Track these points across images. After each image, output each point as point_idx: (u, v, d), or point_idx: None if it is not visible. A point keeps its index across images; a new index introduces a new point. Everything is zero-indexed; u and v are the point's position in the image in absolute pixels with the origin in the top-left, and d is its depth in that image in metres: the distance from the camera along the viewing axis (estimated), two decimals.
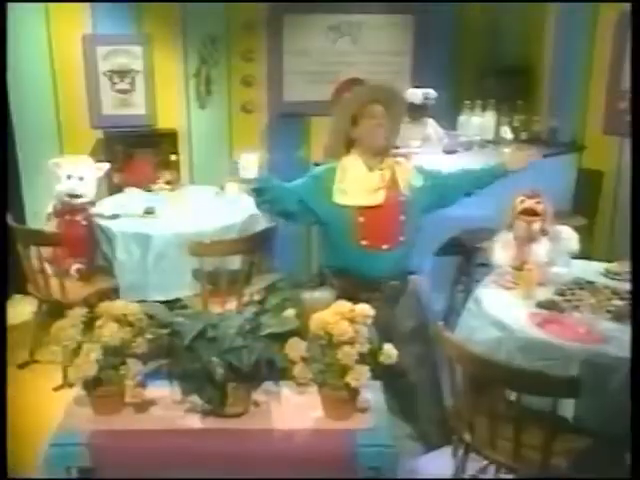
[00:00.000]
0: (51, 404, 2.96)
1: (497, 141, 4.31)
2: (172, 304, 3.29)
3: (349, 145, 2.79)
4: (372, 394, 2.10)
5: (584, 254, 3.26)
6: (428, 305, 2.92)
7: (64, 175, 3.53)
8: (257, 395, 2.06)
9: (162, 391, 2.07)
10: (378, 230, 2.68)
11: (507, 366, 2.08)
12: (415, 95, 4.16)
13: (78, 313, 2.03)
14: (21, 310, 3.98)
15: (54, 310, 3.47)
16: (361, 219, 2.66)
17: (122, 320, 1.99)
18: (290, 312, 2.04)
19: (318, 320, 1.96)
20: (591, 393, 2.00)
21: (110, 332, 1.95)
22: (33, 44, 4.29)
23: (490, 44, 5.19)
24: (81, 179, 3.54)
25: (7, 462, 1.94)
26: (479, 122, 4.35)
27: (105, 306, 2.03)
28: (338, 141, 2.80)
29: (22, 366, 3.51)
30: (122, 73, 4.53)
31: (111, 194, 4.32)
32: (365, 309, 2.01)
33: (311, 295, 2.78)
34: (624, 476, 1.81)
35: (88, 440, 1.93)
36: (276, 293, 2.09)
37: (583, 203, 4.48)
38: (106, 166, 3.79)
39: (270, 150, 5.00)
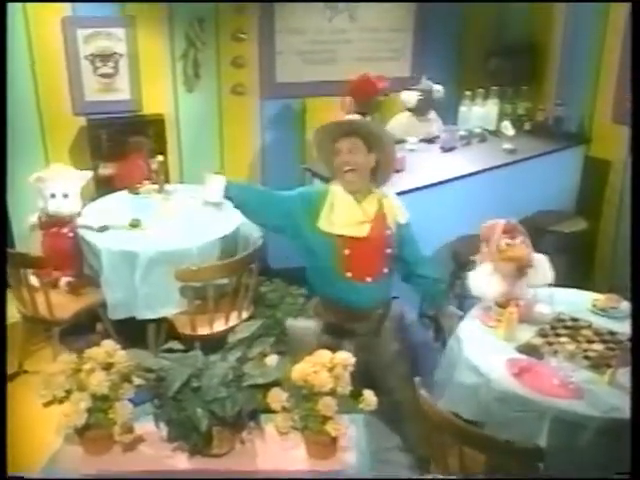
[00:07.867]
0: (42, 419, 3.17)
1: (498, 133, 4.43)
2: (160, 324, 3.52)
3: None
4: (355, 430, 2.32)
5: (587, 260, 3.37)
6: (412, 325, 3.12)
7: (47, 194, 3.63)
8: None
9: (150, 427, 2.29)
10: (363, 263, 2.84)
11: (474, 432, 2.26)
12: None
13: (68, 359, 2.25)
14: (8, 309, 3.90)
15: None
16: (346, 251, 2.81)
17: (109, 367, 2.20)
18: (273, 359, 2.24)
19: (299, 371, 2.16)
20: (561, 446, 2.22)
21: (98, 381, 2.16)
22: (10, 28, 4.27)
23: (496, 21, 5.23)
24: (65, 196, 3.65)
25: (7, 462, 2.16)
26: (481, 112, 4.46)
27: (92, 352, 2.24)
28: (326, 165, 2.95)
29: (11, 378, 3.62)
30: (105, 57, 4.61)
31: (97, 187, 4.47)
32: (345, 357, 2.21)
33: (294, 324, 2.99)
34: None
35: None
36: (259, 340, 2.29)
37: (588, 196, 4.60)
38: (89, 174, 3.90)
39: (262, 135, 5.14)
